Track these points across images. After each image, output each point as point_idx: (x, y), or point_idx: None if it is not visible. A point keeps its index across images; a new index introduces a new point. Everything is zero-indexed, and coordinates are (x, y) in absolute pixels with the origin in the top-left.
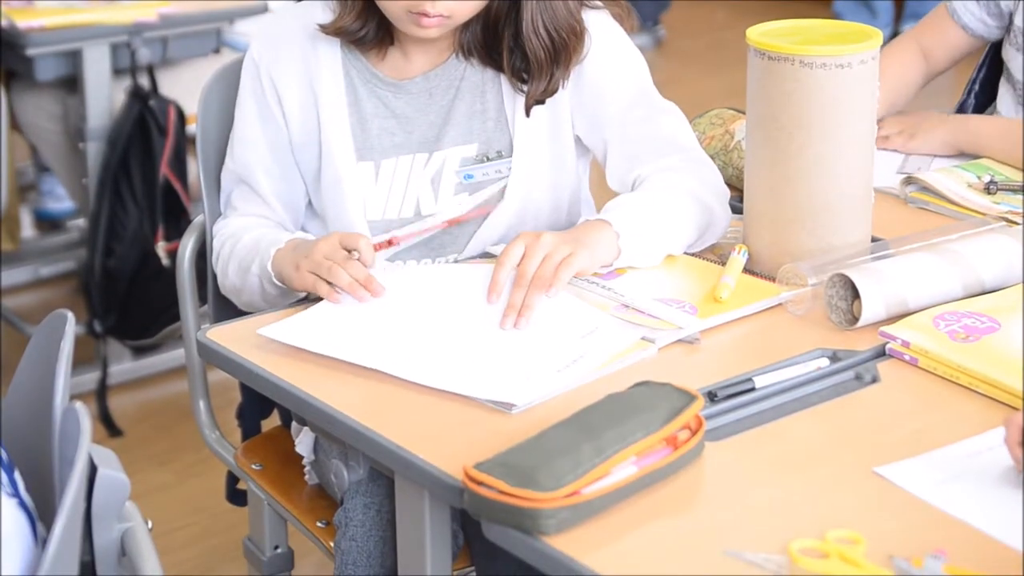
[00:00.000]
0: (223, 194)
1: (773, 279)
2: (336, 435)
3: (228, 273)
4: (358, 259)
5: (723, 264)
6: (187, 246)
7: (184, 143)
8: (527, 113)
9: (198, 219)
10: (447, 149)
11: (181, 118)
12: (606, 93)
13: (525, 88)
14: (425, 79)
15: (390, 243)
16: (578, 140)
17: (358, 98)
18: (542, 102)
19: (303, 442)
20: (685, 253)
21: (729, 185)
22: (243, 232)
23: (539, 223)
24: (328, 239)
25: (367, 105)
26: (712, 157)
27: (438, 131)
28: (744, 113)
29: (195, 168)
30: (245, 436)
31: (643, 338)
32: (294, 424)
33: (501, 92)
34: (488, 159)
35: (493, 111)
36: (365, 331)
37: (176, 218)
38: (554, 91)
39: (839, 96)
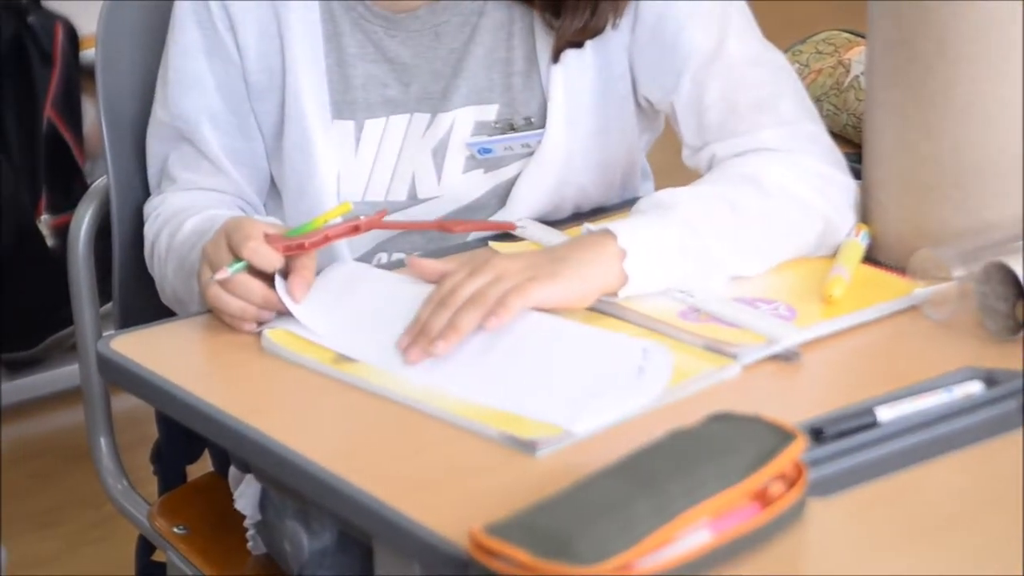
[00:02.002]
0: (154, 160)
1: (904, 270)
2: (292, 486)
3: (167, 276)
4: (246, 265)
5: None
6: (82, 221)
7: (77, 76)
8: (554, 58)
9: (98, 183)
10: (457, 110)
11: (73, 41)
12: (670, 37)
13: (557, 24)
14: (431, 12)
15: (356, 229)
16: (648, 103)
17: (338, 32)
18: (579, 45)
19: (245, 496)
20: None
21: (842, 138)
22: (185, 215)
23: (579, 205)
24: (217, 233)
25: (350, 43)
26: (819, 100)
27: (446, 84)
28: (864, 37)
29: (93, 112)
30: (164, 487)
31: (720, 352)
32: (232, 471)
33: (533, 35)
34: (513, 128)
35: (522, 61)
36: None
37: (66, 181)
38: (597, 30)
39: (1001, 14)
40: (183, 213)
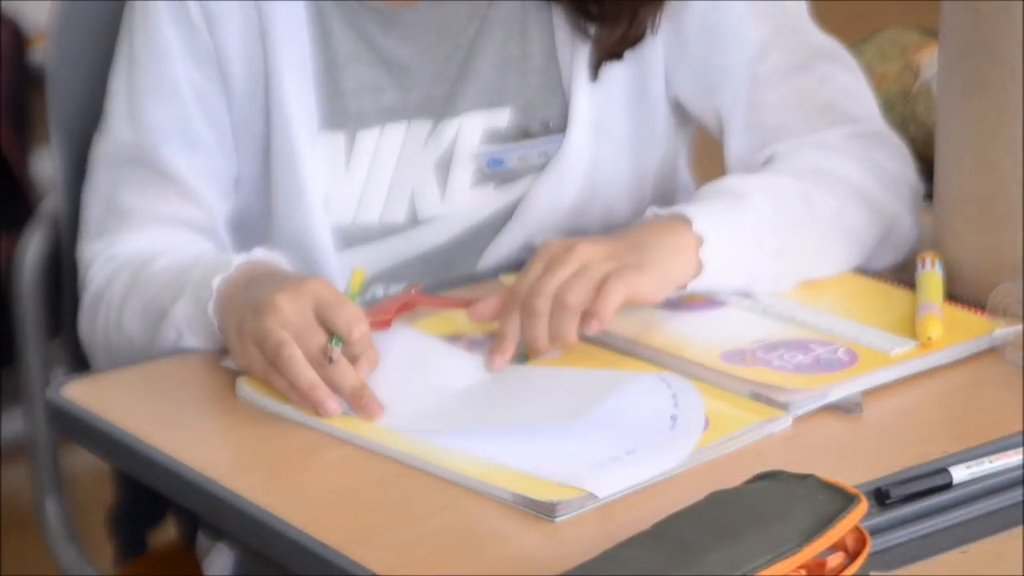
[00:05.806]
0: (97, 196)
1: (981, 307)
2: (272, 556)
3: (121, 322)
4: (338, 348)
5: (894, 281)
6: (29, 248)
7: (25, 82)
8: (593, 74)
9: (47, 204)
10: (464, 115)
11: (18, 41)
12: (723, 29)
13: (591, 32)
14: (433, 6)
15: (405, 306)
16: (678, 103)
17: (328, 31)
18: (618, 56)
19: (216, 567)
20: None
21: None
22: (152, 258)
23: (607, 224)
24: (297, 292)
25: (341, 43)
26: (883, 108)
27: (451, 86)
28: (936, 37)
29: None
30: (122, 556)
31: (769, 401)
32: (201, 538)
33: (551, 27)
34: (529, 135)
35: (539, 58)
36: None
37: (11, 202)
38: (638, 37)
39: None
40: (144, 255)
